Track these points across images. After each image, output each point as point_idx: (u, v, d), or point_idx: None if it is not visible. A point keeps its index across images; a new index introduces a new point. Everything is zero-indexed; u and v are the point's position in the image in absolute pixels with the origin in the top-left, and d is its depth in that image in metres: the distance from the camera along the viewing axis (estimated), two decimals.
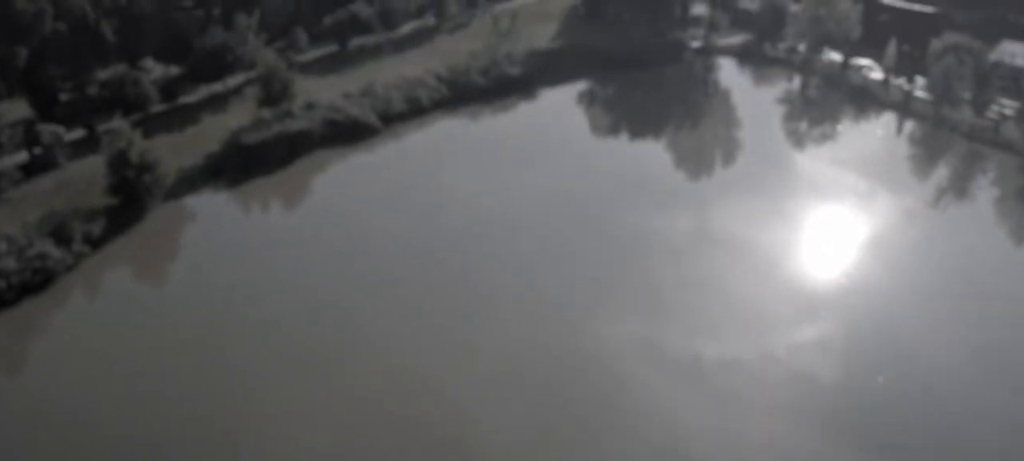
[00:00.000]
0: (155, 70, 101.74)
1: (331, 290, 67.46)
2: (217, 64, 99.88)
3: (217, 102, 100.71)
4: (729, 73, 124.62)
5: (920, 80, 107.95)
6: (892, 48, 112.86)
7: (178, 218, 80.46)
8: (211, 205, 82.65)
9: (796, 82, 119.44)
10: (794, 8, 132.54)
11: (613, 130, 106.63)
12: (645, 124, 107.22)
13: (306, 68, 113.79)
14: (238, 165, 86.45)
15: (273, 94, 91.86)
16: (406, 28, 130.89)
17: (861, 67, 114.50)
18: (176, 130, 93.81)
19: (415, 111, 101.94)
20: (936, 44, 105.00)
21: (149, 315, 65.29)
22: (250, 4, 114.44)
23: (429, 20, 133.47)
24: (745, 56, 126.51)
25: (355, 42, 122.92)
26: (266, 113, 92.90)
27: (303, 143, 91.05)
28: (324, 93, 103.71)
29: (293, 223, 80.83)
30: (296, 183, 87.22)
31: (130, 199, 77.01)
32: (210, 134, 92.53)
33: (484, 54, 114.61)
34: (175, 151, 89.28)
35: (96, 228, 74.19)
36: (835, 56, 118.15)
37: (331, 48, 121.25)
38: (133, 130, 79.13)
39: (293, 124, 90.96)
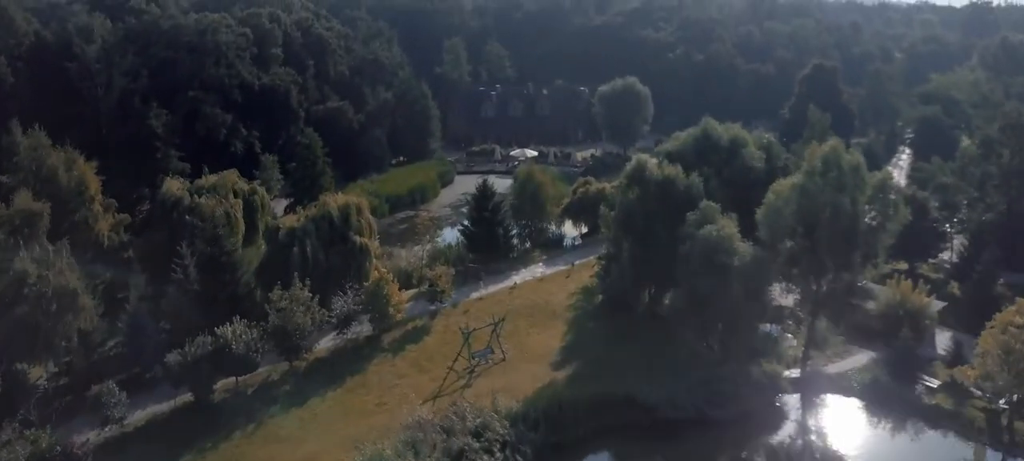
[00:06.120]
0: None
1: None
2: None
3: None
4: (851, 424, 74.33)
5: None
6: None
7: None
8: None
9: (983, 456, 68.73)
10: (938, 305, 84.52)
11: None
12: None
13: (121, 448, 64.64)
14: None
15: None
16: (324, 343, 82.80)
17: None
18: None
19: None
20: None
21: None
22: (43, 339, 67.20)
23: (364, 326, 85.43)
24: (876, 396, 76.09)
25: (225, 382, 74.21)
26: None
27: None
28: None
29: None
30: None
31: None
32: None
33: (441, 424, 65.02)
34: None
35: None
36: None
37: (184, 397, 72.30)
38: None
39: None
